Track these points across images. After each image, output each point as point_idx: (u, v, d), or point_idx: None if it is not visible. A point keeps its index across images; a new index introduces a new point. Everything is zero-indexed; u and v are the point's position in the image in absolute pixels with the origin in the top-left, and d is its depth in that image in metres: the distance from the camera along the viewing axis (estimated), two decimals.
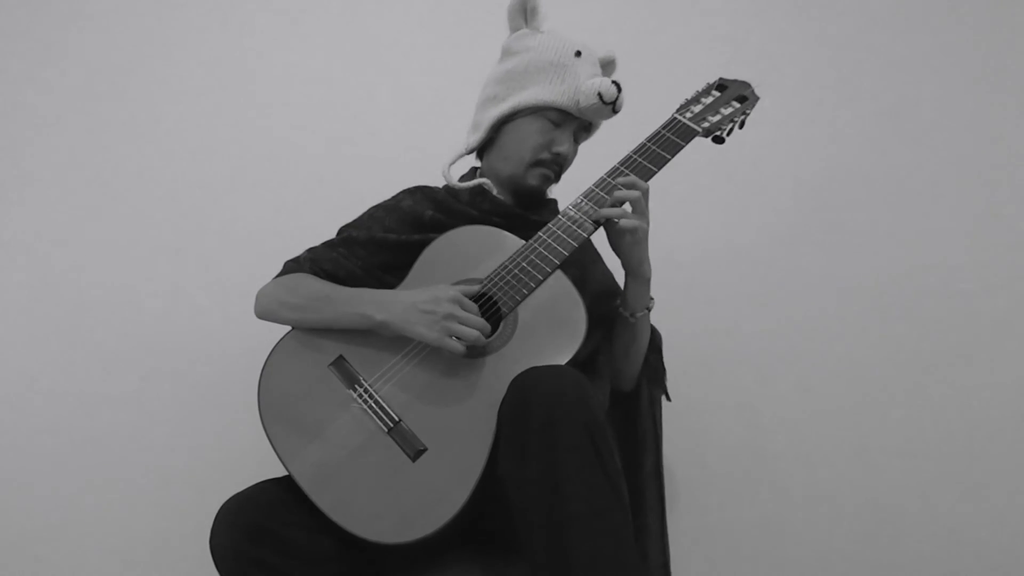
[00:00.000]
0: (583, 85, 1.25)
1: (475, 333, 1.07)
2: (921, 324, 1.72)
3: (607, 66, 1.39)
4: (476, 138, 1.34)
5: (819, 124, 1.86)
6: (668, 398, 1.35)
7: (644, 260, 1.19)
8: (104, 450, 1.68)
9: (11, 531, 1.63)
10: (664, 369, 1.33)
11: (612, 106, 1.25)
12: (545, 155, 1.28)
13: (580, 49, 1.28)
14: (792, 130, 1.86)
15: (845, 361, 1.71)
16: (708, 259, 1.80)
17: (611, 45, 1.37)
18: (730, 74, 1.34)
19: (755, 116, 1.57)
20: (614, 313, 1.27)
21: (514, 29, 1.33)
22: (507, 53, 1.34)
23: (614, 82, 1.25)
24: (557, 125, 1.28)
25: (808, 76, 1.89)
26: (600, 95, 1.23)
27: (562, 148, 1.28)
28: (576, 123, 1.29)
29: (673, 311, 1.62)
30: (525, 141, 1.28)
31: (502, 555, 1.15)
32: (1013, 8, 1.85)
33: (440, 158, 1.34)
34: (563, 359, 1.08)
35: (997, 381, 1.67)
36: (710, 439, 1.69)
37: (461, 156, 1.35)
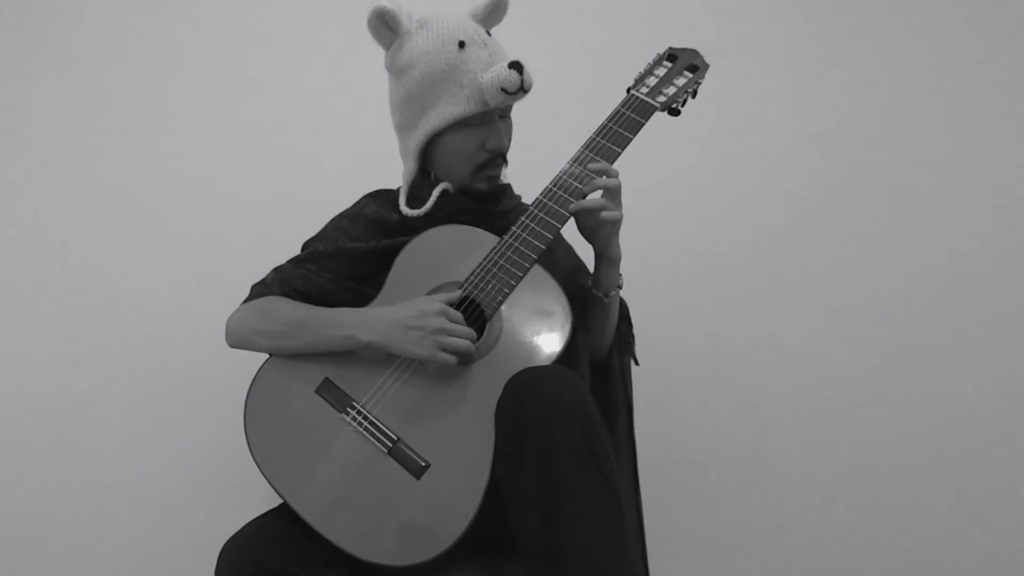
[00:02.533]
0: (483, 83, 1.15)
1: (466, 344, 1.05)
2: (920, 324, 1.74)
3: (494, 11, 1.26)
4: (410, 168, 1.28)
5: (815, 121, 1.83)
6: (637, 362, 1.36)
7: (616, 245, 1.19)
8: (102, 452, 1.66)
9: (8, 531, 1.62)
10: (633, 336, 1.35)
11: (521, 91, 1.17)
12: (482, 156, 1.23)
13: (462, 38, 1.18)
14: (788, 126, 1.83)
15: (842, 361, 1.74)
16: (706, 259, 1.79)
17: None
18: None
19: (753, 111, 1.56)
20: (584, 290, 1.27)
21: (387, 45, 1.24)
22: (393, 73, 1.25)
23: (512, 65, 1.14)
24: (478, 125, 1.22)
25: (803, 70, 1.85)
26: (504, 90, 1.14)
27: (494, 144, 1.23)
28: (495, 112, 1.23)
29: (666, 312, 1.64)
30: (457, 155, 1.23)
31: (501, 556, 1.15)
32: None
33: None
34: (553, 354, 1.08)
35: (996, 381, 1.70)
36: (704, 441, 1.71)
37: (407, 189, 1.28)
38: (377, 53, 1.27)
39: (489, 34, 1.24)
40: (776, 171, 1.82)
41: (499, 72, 1.14)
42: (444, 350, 1.05)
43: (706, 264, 1.78)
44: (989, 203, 1.77)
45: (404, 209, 1.25)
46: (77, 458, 1.66)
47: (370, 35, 1.23)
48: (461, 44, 1.18)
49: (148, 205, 1.78)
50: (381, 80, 1.30)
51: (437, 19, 1.21)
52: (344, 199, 1.33)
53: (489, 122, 1.22)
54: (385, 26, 1.20)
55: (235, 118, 1.82)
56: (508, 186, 1.36)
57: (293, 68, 1.85)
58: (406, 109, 1.23)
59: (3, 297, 1.73)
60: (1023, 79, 1.80)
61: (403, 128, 1.27)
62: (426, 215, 1.23)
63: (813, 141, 1.82)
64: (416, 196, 1.27)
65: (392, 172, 1.33)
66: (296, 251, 1.28)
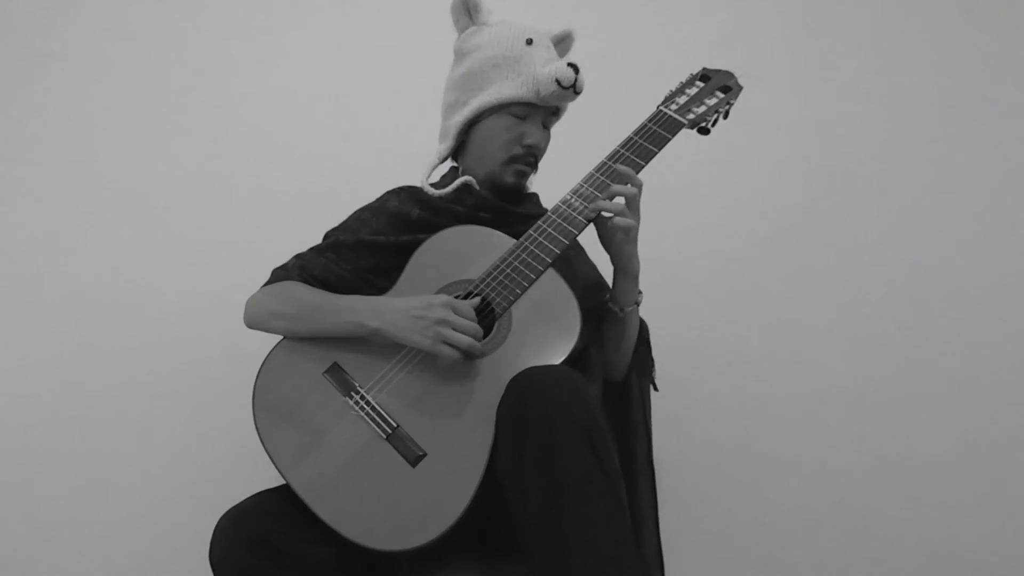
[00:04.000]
0: (539, 74, 1.23)
1: (468, 340, 1.06)
2: (920, 325, 1.72)
3: (563, 42, 1.37)
4: (446, 146, 1.34)
5: (817, 122, 1.84)
6: (656, 388, 1.35)
7: (633, 256, 1.19)
8: (101, 451, 1.68)
9: (6, 531, 1.63)
10: (652, 360, 1.34)
11: (572, 89, 1.24)
12: (517, 150, 1.28)
13: (530, 36, 1.26)
14: (791, 127, 1.84)
15: (841, 362, 1.72)
16: (705, 259, 1.79)
17: (595, 36, 1.34)
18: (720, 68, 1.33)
19: (754, 113, 1.54)
20: (602, 306, 1.27)
21: (461, 29, 1.32)
22: (459, 55, 1.32)
23: (570, 64, 1.22)
24: (523, 118, 1.27)
25: (805, 72, 1.87)
26: (558, 81, 1.21)
27: (532, 140, 1.27)
28: (542, 111, 1.29)
29: (669, 312, 1.61)
30: (495, 140, 1.28)
31: (501, 556, 1.15)
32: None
33: (427, 157, 1.33)
34: (560, 357, 1.08)
35: (999, 381, 1.68)
36: (706, 440, 1.70)
37: (435, 166, 1.34)
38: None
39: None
40: (778, 173, 1.82)
41: (557, 65, 1.22)
42: (446, 343, 1.07)
43: (710, 265, 1.79)
44: (990, 203, 1.76)
45: (426, 186, 1.30)
46: (83, 440, 1.69)
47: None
48: (529, 41, 1.26)
49: (155, 204, 1.82)
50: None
51: (512, 19, 1.30)
52: (366, 194, 1.36)
53: (534, 119, 1.28)
54: (465, 12, 1.30)
55: (246, 116, 1.87)
56: (535, 195, 1.38)
57: (319, 65, 1.89)
58: (461, 88, 1.30)
59: (7, 295, 1.77)
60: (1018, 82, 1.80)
61: (451, 107, 1.32)
62: (447, 208, 1.27)
63: (817, 143, 1.83)
64: (439, 185, 1.31)
65: (415, 170, 1.36)
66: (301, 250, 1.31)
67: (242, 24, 1.92)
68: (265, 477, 1.15)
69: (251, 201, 1.82)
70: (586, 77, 1.26)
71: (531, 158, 1.30)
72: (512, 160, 1.28)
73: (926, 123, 1.82)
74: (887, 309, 1.74)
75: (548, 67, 1.23)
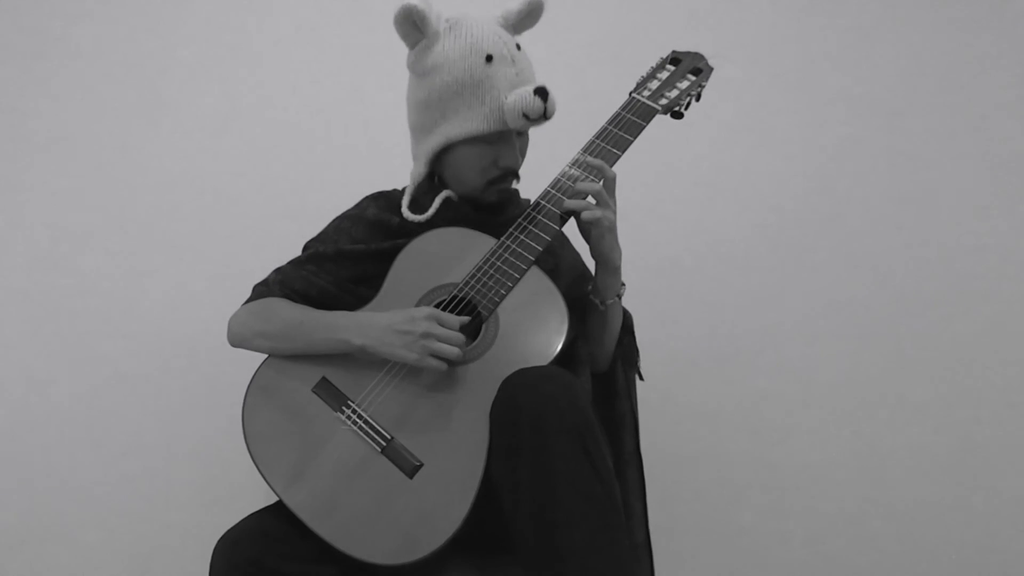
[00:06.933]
0: (506, 105, 1.14)
1: (455, 350, 1.06)
2: (921, 324, 1.72)
3: (528, 18, 1.23)
4: (420, 171, 1.28)
5: (813, 119, 1.83)
6: (641, 377, 1.35)
7: (613, 248, 1.17)
8: (103, 448, 1.67)
9: (9, 529, 1.63)
10: (637, 350, 1.33)
11: (543, 118, 1.15)
12: (494, 172, 1.23)
13: (490, 51, 1.15)
14: (786, 125, 1.83)
15: (843, 363, 1.72)
16: (705, 259, 1.78)
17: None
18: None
19: (750, 110, 1.53)
20: (586, 297, 1.26)
21: (412, 44, 1.21)
22: (415, 73, 1.23)
23: (537, 91, 1.12)
24: (495, 142, 1.21)
25: (805, 70, 1.85)
26: (525, 115, 1.13)
27: (508, 162, 1.22)
28: (513, 130, 1.21)
29: (669, 312, 1.62)
30: (469, 168, 1.23)
31: (497, 557, 1.15)
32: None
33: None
34: (549, 356, 1.08)
35: (998, 380, 1.68)
36: (700, 438, 1.70)
37: (413, 192, 1.28)
38: (383, 55, 1.27)
39: (519, 47, 1.21)
40: (774, 171, 1.81)
41: (523, 96, 1.12)
42: (434, 355, 1.06)
43: (706, 265, 1.78)
44: (988, 202, 1.76)
45: (405, 213, 1.25)
46: (77, 454, 1.68)
47: (395, 33, 1.20)
48: (489, 58, 1.15)
49: (151, 204, 1.80)
50: (386, 82, 1.30)
51: (467, 24, 1.18)
52: (346, 199, 1.34)
53: (506, 140, 1.21)
54: (413, 25, 1.17)
55: (238, 118, 1.84)
56: (516, 193, 1.35)
57: (298, 69, 1.87)
58: (423, 112, 1.22)
59: (5, 294, 1.75)
60: (1018, 82, 1.79)
61: (418, 130, 1.26)
62: (426, 221, 1.24)
63: (813, 140, 1.81)
64: (419, 201, 1.27)
65: (394, 173, 1.34)
66: (298, 251, 1.30)
67: (243, 30, 1.89)
68: (260, 490, 1.13)
69: (265, 198, 1.81)
70: (566, 72, 1.23)
71: (510, 176, 1.25)
72: (490, 183, 1.24)
73: (925, 121, 1.80)
74: (885, 307, 1.74)
75: (514, 96, 1.13)
